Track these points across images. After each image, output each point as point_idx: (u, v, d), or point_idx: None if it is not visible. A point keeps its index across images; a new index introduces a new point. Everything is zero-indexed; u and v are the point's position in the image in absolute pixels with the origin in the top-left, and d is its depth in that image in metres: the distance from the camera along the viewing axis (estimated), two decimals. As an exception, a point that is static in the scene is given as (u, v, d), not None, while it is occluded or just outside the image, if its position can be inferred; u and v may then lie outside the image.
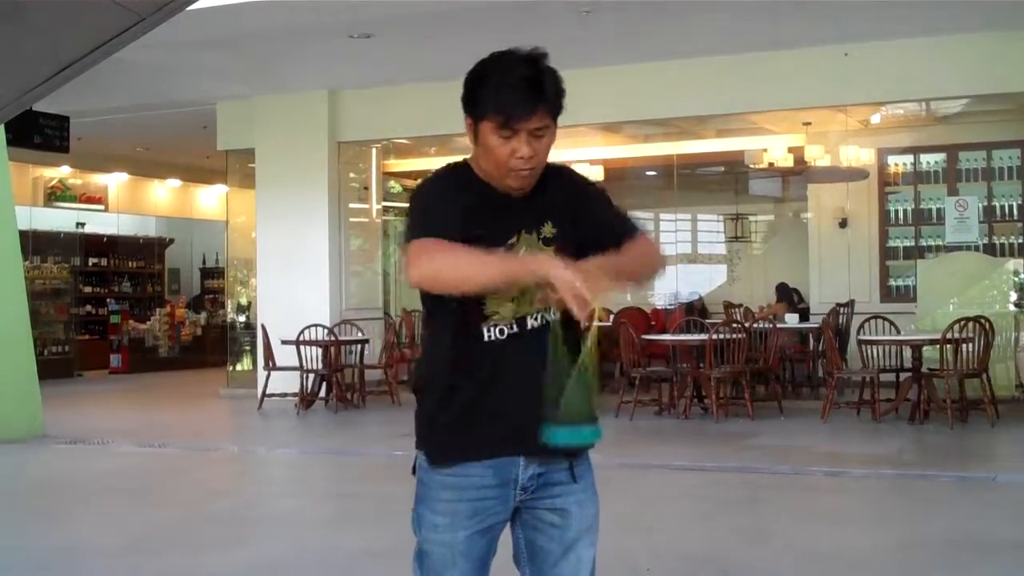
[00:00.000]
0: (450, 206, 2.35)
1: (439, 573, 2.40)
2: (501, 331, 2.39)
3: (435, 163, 14.10)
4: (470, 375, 2.37)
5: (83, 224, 18.20)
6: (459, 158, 2.49)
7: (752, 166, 14.08)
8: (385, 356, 11.99)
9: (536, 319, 2.39)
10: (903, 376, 9.93)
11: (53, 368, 15.00)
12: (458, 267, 2.25)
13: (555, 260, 2.23)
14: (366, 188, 13.67)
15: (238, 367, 14.13)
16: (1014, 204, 12.89)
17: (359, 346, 11.88)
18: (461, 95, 2.38)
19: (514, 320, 2.38)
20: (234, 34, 10.12)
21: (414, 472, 2.49)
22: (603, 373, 12.79)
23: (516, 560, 2.50)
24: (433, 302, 2.42)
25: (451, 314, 2.39)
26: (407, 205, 2.50)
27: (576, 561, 2.43)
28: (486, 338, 2.39)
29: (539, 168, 2.38)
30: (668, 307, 14.54)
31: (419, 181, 2.57)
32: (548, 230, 2.41)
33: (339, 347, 11.61)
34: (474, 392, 2.38)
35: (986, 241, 12.67)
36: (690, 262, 16.16)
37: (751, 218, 16.03)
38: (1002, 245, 12.82)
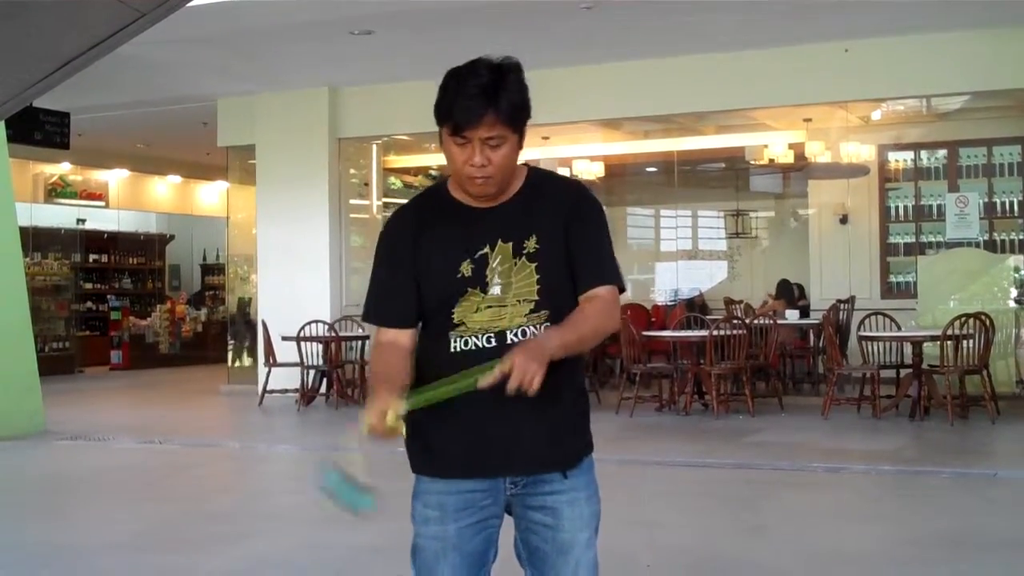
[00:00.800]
0: (395, 269, 2.40)
1: (431, 566, 2.40)
2: (472, 343, 2.32)
3: (435, 160, 14.20)
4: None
5: (83, 220, 18.20)
6: None
7: (753, 162, 14.07)
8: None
9: (516, 334, 2.32)
10: (903, 372, 9.93)
11: (54, 365, 15.03)
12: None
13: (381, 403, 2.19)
14: (366, 184, 13.68)
15: (239, 363, 14.14)
16: (1015, 200, 12.88)
17: (360, 342, 11.88)
18: None
19: (493, 334, 2.32)
20: (235, 30, 10.12)
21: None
22: (604, 369, 12.82)
23: (518, 558, 2.50)
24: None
25: (426, 317, 2.41)
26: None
27: (575, 565, 2.40)
28: (452, 349, 2.34)
29: (497, 177, 2.31)
30: (669, 303, 14.55)
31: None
32: (531, 245, 2.35)
33: (340, 343, 11.62)
34: (443, 407, 2.30)
35: (987, 237, 12.67)
36: (691, 258, 16.15)
37: (752, 214, 16.01)
38: (1003, 241, 12.82)
